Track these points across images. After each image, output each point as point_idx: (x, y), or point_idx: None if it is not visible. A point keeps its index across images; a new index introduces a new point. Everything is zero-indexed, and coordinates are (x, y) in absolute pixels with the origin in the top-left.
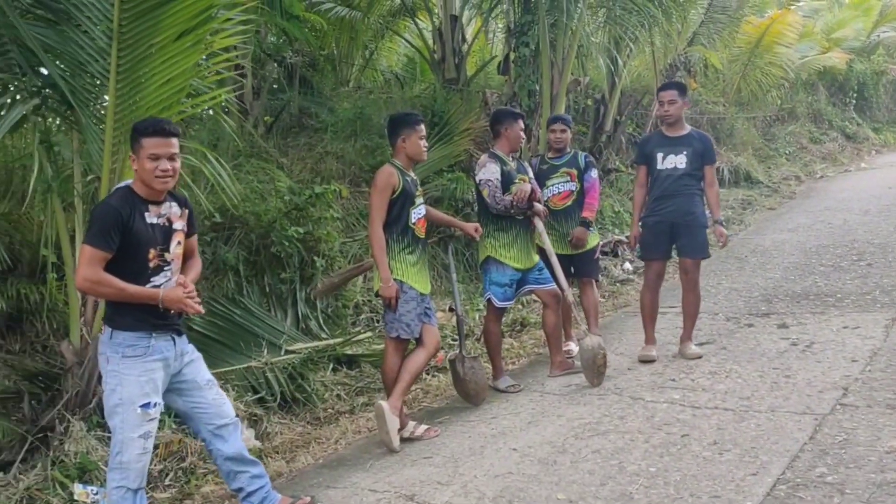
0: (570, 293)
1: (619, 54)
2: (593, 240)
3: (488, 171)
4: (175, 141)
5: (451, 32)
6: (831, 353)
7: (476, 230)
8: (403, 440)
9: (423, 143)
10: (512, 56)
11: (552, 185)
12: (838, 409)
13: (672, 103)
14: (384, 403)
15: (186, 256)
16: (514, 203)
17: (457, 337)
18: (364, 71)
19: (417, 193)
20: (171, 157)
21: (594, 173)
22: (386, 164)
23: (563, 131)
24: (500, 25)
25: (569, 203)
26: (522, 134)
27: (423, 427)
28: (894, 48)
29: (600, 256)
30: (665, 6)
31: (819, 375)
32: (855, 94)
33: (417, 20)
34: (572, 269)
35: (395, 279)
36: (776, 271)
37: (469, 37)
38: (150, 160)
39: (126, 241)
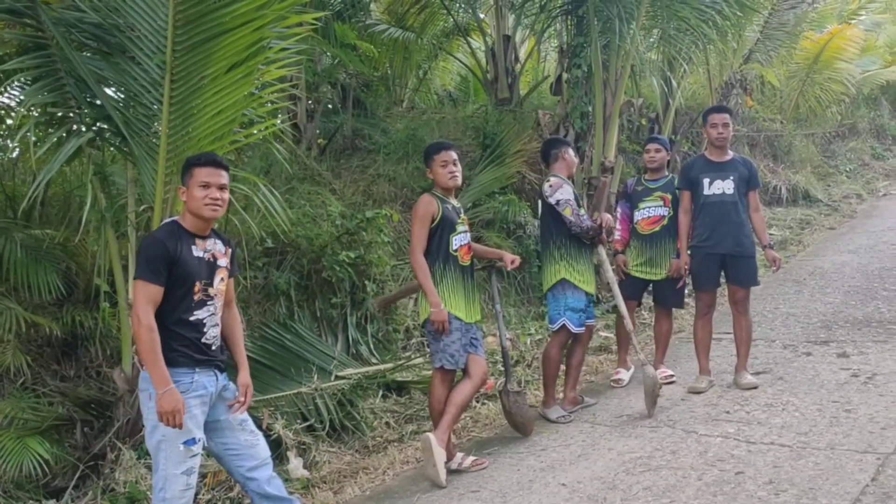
0: (629, 321)
1: (672, 74)
2: None
3: (566, 192)
4: (225, 173)
5: (503, 52)
6: (894, 386)
7: (513, 262)
8: (451, 472)
9: (448, 169)
10: (564, 77)
11: (644, 208)
12: None
13: (726, 126)
14: (431, 436)
15: (227, 301)
16: (596, 228)
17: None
18: (417, 91)
19: (460, 220)
20: (221, 187)
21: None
22: (425, 192)
23: (658, 151)
24: (554, 45)
25: (656, 229)
26: (576, 158)
27: (471, 458)
28: None
29: (685, 283)
30: (720, 26)
31: (882, 410)
32: None
33: (471, 39)
34: (653, 295)
35: None
36: (836, 295)
37: (522, 56)
38: (201, 188)
39: (173, 273)
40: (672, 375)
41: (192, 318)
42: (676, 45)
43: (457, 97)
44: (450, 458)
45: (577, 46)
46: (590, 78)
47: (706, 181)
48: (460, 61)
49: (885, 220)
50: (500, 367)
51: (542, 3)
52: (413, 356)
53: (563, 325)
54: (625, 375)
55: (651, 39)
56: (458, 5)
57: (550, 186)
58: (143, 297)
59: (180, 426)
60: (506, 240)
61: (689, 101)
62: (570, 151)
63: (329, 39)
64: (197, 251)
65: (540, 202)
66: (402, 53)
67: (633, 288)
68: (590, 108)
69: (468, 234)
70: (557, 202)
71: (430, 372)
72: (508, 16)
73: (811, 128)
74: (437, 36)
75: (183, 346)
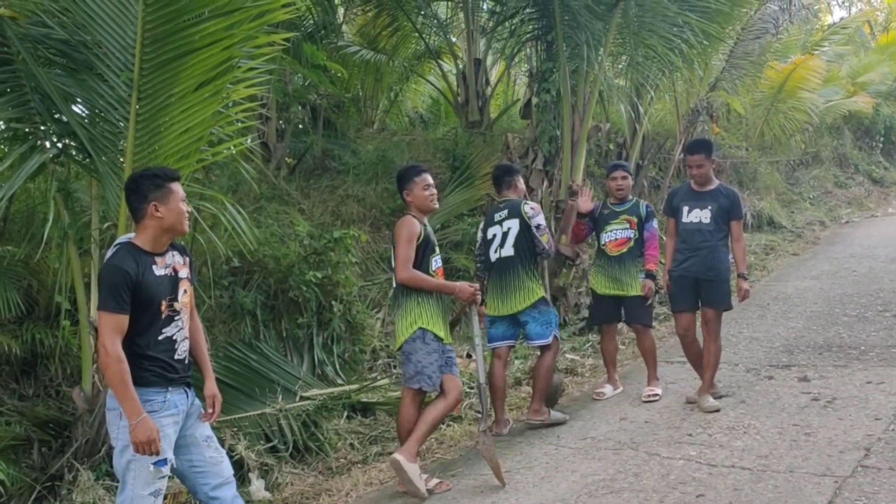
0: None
1: (640, 100)
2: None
3: (542, 217)
4: None
5: (474, 76)
6: (854, 410)
7: (474, 293)
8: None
9: (430, 191)
10: (534, 101)
11: (610, 231)
12: (859, 472)
13: (700, 167)
14: (398, 457)
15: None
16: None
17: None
18: (389, 113)
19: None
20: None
21: (654, 223)
22: (406, 215)
23: (624, 178)
24: (524, 69)
25: (624, 250)
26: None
27: (435, 480)
28: None
29: (653, 303)
30: (686, 54)
31: (840, 434)
32: (882, 138)
33: (442, 63)
34: (623, 314)
35: (419, 327)
36: (798, 321)
37: (492, 80)
38: (183, 203)
39: (138, 298)
40: (657, 394)
41: (161, 337)
42: (644, 72)
43: (427, 119)
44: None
45: (547, 71)
46: (558, 102)
47: (685, 209)
48: (432, 84)
49: (848, 247)
50: (465, 389)
51: (513, 28)
52: (379, 377)
53: (556, 336)
54: (608, 391)
55: (619, 66)
56: (430, 29)
57: (531, 208)
58: (109, 328)
59: (157, 453)
60: (474, 262)
61: (656, 127)
62: (522, 181)
63: (300, 60)
64: (158, 270)
65: (501, 225)
66: (373, 75)
67: (608, 308)
68: (558, 132)
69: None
70: (538, 227)
71: (397, 393)
72: (479, 40)
73: (776, 155)
74: (408, 58)
75: (155, 365)
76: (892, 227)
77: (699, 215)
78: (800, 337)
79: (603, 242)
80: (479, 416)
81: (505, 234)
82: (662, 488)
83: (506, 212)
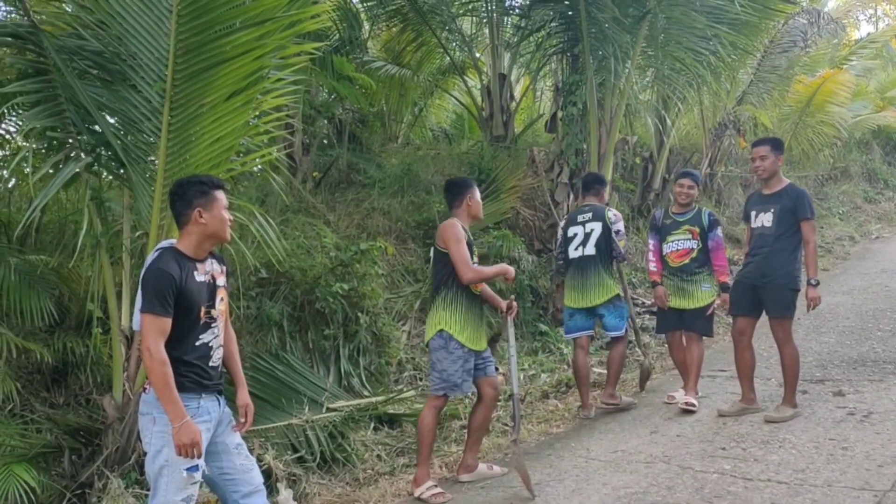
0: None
1: (667, 113)
2: (709, 296)
3: (622, 224)
4: None
5: (499, 90)
6: (891, 425)
7: (509, 307)
8: (419, 500)
9: (481, 202)
10: (559, 114)
11: (672, 241)
12: None
13: (763, 158)
14: (465, 477)
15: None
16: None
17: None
18: (413, 127)
19: (474, 250)
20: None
21: (719, 231)
22: (449, 218)
23: (692, 187)
24: (549, 83)
25: (686, 261)
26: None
27: (436, 490)
28: None
29: (715, 313)
30: (714, 67)
31: (878, 448)
32: None
33: (466, 78)
34: (684, 323)
35: (440, 329)
36: (831, 335)
37: (517, 94)
38: (226, 211)
39: (180, 303)
40: (695, 405)
41: (198, 343)
42: (671, 85)
43: (451, 134)
44: (471, 470)
45: (573, 84)
46: (585, 115)
47: (753, 214)
48: (456, 99)
49: (879, 263)
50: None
51: (538, 42)
52: (405, 389)
53: (626, 328)
54: (679, 396)
55: (646, 79)
56: (454, 44)
57: (614, 215)
58: (154, 331)
59: (200, 455)
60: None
61: (682, 141)
62: (606, 191)
63: (327, 72)
64: (199, 276)
65: (584, 226)
66: (397, 90)
67: (668, 319)
68: (584, 145)
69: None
70: (619, 232)
71: (423, 405)
72: (504, 55)
73: (804, 170)
74: (433, 73)
75: (191, 371)
76: None
77: (762, 219)
78: (833, 352)
79: (665, 253)
80: (510, 427)
81: (587, 235)
82: (697, 502)
83: (590, 214)
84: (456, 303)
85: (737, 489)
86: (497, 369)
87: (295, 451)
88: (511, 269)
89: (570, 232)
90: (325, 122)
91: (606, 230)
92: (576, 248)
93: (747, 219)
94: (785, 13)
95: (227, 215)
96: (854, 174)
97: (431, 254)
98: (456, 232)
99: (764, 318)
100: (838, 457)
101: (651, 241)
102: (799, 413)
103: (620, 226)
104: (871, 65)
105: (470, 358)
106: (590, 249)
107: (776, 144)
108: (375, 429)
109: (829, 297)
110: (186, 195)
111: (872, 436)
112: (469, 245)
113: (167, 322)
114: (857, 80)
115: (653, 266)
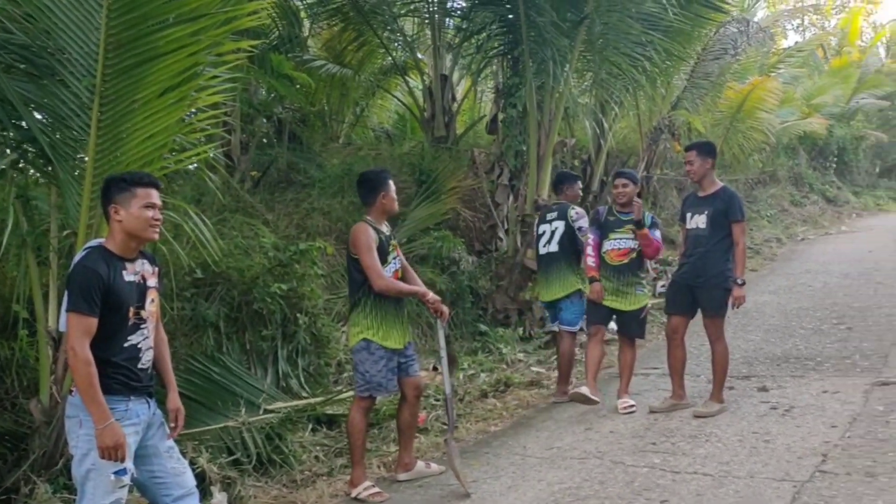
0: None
1: (605, 117)
2: (643, 299)
3: (586, 221)
4: (159, 194)
5: (441, 91)
6: (811, 418)
7: (438, 303)
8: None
9: (395, 196)
10: (500, 116)
11: (615, 239)
12: (817, 476)
13: (691, 163)
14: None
15: (155, 320)
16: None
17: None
18: (354, 127)
19: (391, 248)
20: (160, 209)
21: (657, 234)
22: (359, 222)
23: (626, 185)
24: (490, 85)
25: (625, 261)
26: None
27: (373, 490)
28: (873, 114)
29: (647, 318)
30: (649, 72)
31: (798, 441)
32: (835, 159)
33: (408, 78)
34: (616, 325)
35: (362, 338)
36: (757, 333)
37: (459, 96)
38: (147, 209)
39: (107, 302)
40: (633, 406)
41: (126, 345)
42: (608, 89)
43: (393, 135)
44: (408, 469)
45: (513, 87)
46: (524, 118)
47: (688, 215)
48: (398, 99)
49: (803, 264)
50: (432, 400)
51: (479, 44)
52: (344, 390)
53: (581, 327)
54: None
55: (585, 83)
56: (396, 45)
57: (577, 213)
58: (79, 330)
59: (123, 459)
60: (440, 275)
61: (620, 145)
62: (576, 187)
63: (265, 70)
64: (128, 275)
65: (550, 224)
66: (339, 90)
67: (599, 313)
68: (524, 147)
69: (398, 260)
70: (581, 229)
71: None
72: (446, 56)
73: (735, 174)
74: (374, 73)
75: (119, 373)
76: (845, 244)
77: (697, 221)
78: (758, 349)
79: (605, 250)
80: (446, 426)
81: (553, 233)
82: (627, 495)
83: (556, 213)
84: (376, 309)
85: (665, 482)
86: (436, 368)
87: (230, 453)
88: (430, 294)
89: (540, 230)
90: (265, 120)
91: (569, 228)
92: (543, 246)
93: (683, 220)
94: (716, 22)
95: (148, 213)
96: (782, 178)
97: (346, 259)
98: (366, 239)
99: (697, 316)
100: (761, 449)
101: (591, 237)
102: (725, 408)
103: (583, 222)
104: (798, 73)
105: (393, 357)
106: (553, 247)
107: (706, 149)
108: (314, 430)
109: (756, 297)
110: (108, 191)
111: (793, 429)
112: (383, 245)
113: (93, 321)
114: (785, 87)
115: (591, 261)
